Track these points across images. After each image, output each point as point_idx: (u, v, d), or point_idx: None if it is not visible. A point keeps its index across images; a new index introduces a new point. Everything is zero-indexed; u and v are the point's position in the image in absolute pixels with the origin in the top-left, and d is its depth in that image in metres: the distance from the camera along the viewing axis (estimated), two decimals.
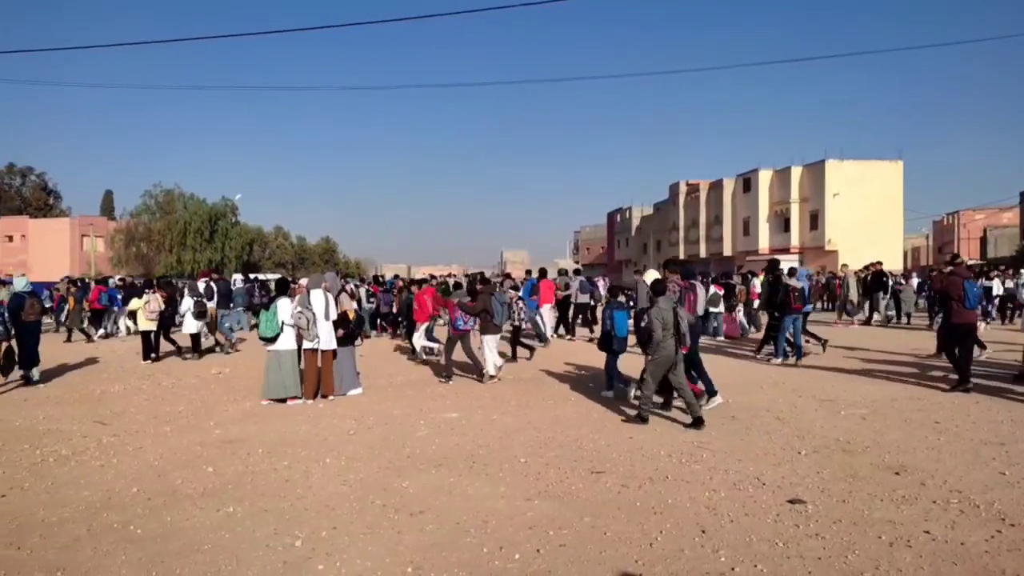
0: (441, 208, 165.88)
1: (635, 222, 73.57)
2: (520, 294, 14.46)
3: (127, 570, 4.01)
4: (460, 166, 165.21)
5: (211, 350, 15.08)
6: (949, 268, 9.93)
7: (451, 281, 22.96)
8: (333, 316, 9.32)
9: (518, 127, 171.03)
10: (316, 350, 9.17)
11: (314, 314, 9.00)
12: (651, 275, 9.33)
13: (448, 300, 10.98)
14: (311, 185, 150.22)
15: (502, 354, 11.56)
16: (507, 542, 4.34)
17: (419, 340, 13.34)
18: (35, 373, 11.09)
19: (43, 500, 5.34)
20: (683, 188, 60.97)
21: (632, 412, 8.01)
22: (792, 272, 12.97)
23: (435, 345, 13.25)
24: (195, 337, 14.37)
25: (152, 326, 13.70)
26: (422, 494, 5.35)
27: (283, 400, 9.05)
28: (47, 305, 17.12)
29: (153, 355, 13.74)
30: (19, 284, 11.63)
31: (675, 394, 7.97)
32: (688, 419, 7.54)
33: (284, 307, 9.16)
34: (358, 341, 10.14)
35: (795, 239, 49.45)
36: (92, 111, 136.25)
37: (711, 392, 8.49)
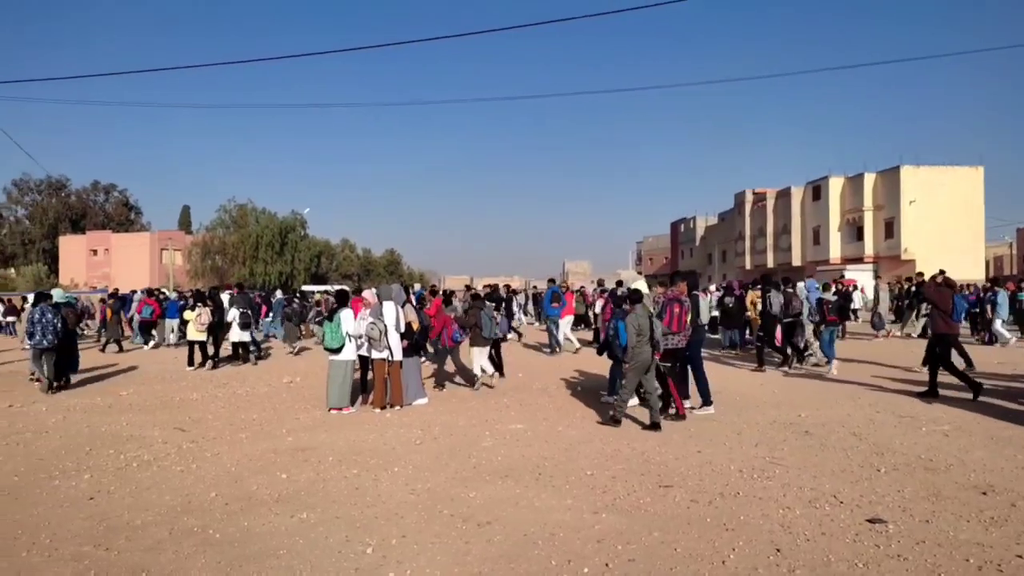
0: (504, 219, 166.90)
1: (699, 232, 72.45)
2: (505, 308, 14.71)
3: (207, 573, 4.15)
4: (523, 178, 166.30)
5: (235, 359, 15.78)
6: (941, 279, 10.51)
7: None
8: (402, 327, 9.48)
9: (581, 138, 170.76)
10: (385, 360, 9.33)
11: (386, 325, 9.18)
12: (638, 284, 9.55)
13: (445, 315, 11.49)
14: (376, 198, 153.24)
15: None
16: (575, 555, 4.31)
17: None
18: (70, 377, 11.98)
19: (128, 503, 5.58)
20: (749, 197, 59.73)
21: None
22: (782, 285, 13.40)
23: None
24: (243, 345, 15.01)
25: (202, 336, 14.40)
26: (489, 505, 5.37)
27: (348, 408, 9.26)
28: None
29: (210, 361, 14.53)
30: (57, 295, 12.52)
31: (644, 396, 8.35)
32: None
33: (347, 319, 9.37)
34: (422, 353, 10.30)
35: (869, 248, 47.82)
36: (170, 129, 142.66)
37: (707, 401, 8.92)
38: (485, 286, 24.95)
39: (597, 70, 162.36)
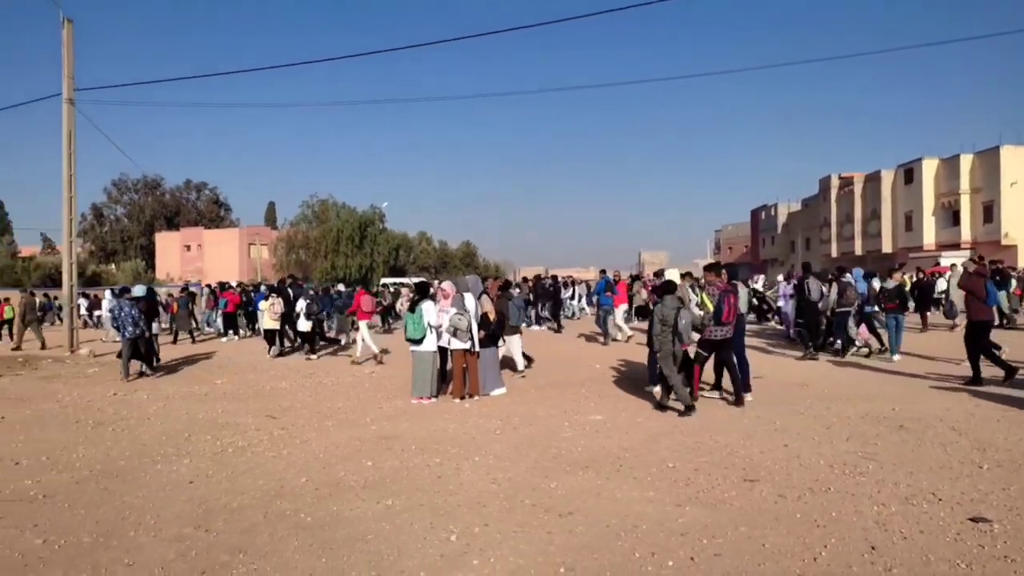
0: (579, 210, 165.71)
1: (781, 219, 70.22)
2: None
3: (300, 555, 4.31)
4: (599, 168, 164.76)
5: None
6: (974, 268, 10.66)
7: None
8: (479, 318, 9.59)
9: (657, 125, 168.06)
10: (464, 351, 9.45)
11: (470, 316, 9.31)
12: (671, 274, 9.90)
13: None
14: (453, 191, 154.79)
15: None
16: (659, 548, 4.27)
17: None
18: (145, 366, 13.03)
19: (225, 487, 5.85)
20: (835, 182, 57.46)
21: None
22: (836, 275, 13.43)
23: None
24: (308, 334, 15.58)
25: (275, 325, 15.41)
26: (570, 495, 5.37)
27: (430, 398, 9.43)
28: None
29: (281, 349, 15.55)
30: (137, 291, 13.76)
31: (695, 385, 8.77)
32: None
33: (429, 310, 9.52)
34: (500, 342, 10.40)
35: (966, 233, 45.32)
36: (256, 128, 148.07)
37: (746, 388, 9.02)
38: (531, 277, 25.11)
39: (674, 56, 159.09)
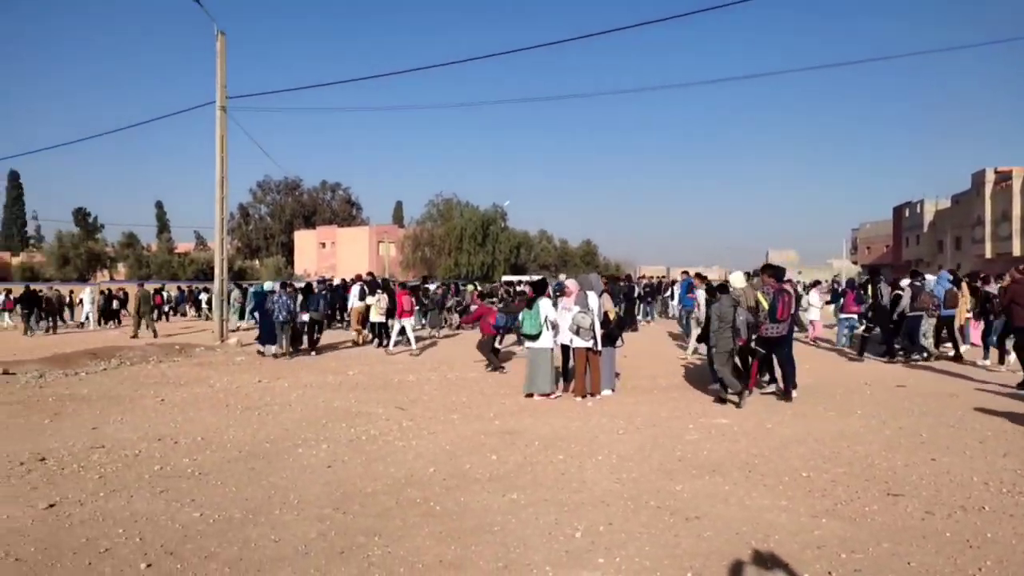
0: (703, 207, 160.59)
1: (927, 217, 65.21)
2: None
3: (430, 542, 4.47)
4: (724, 164, 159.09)
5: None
6: (1019, 276, 10.53)
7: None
8: (601, 316, 9.55)
9: (786, 118, 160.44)
10: (586, 349, 9.44)
11: (594, 315, 9.32)
12: (736, 277, 10.27)
13: (484, 305, 13.46)
14: (573, 189, 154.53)
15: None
16: (793, 559, 4.10)
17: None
18: (272, 349, 15.05)
19: (359, 473, 6.15)
20: (990, 176, 52.67)
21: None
22: (911, 279, 13.39)
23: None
24: (380, 326, 16.92)
25: (382, 319, 16.65)
26: (696, 499, 5.25)
27: (546, 395, 9.50)
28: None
29: (385, 342, 16.46)
30: (267, 286, 16.26)
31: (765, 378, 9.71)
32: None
33: (545, 307, 9.60)
34: (619, 342, 10.32)
35: None
36: (385, 130, 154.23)
37: (793, 385, 9.31)
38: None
39: (807, 45, 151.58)
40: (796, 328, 16.29)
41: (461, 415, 8.66)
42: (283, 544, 4.46)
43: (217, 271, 18.47)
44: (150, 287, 26.15)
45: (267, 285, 16.03)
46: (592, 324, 9.25)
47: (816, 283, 21.30)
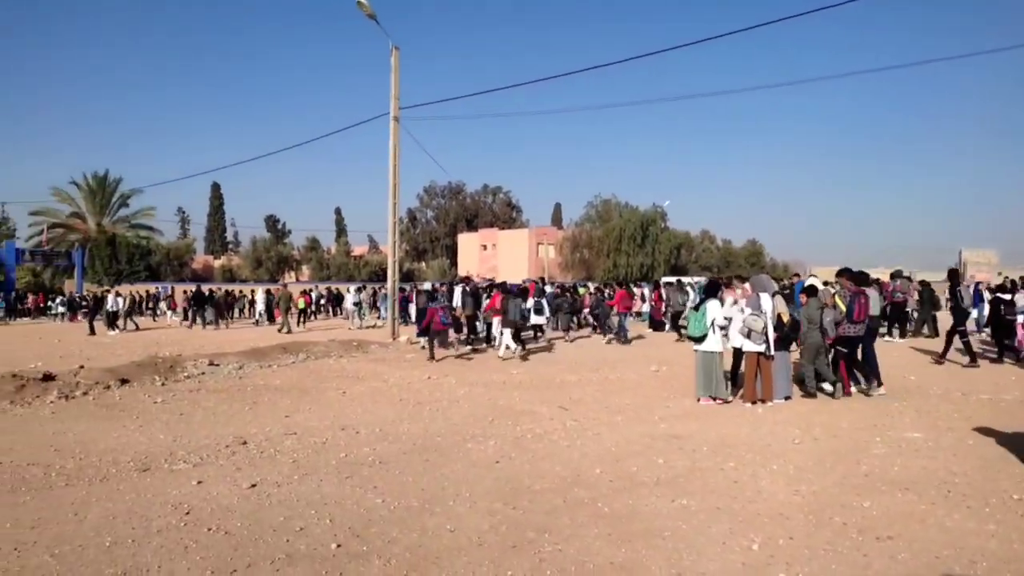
0: (883, 204, 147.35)
1: None
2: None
3: (600, 543, 4.46)
4: (909, 153, 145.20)
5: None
6: None
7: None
8: (774, 320, 9.09)
9: (981, 103, 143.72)
10: (756, 353, 9.03)
11: (767, 318, 8.90)
12: (812, 280, 11.02)
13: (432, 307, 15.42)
14: (738, 188, 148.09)
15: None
16: None
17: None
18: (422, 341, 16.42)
19: (526, 470, 6.25)
20: None
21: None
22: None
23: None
24: (537, 327, 18.12)
25: (540, 319, 17.62)
26: (887, 518, 4.85)
27: (713, 399, 9.16)
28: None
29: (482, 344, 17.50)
30: (426, 285, 19.09)
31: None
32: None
33: (714, 309, 9.24)
34: (792, 346, 9.78)
35: None
36: (543, 133, 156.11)
37: (879, 382, 9.79)
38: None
39: (995, 24, 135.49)
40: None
41: (625, 417, 8.58)
42: (459, 534, 4.63)
43: (390, 272, 19.54)
44: (292, 288, 28.71)
45: (425, 285, 18.19)
46: (764, 327, 8.82)
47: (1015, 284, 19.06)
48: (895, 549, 4.28)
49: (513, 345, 15.05)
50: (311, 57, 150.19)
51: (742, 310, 9.07)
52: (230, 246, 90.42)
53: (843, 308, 9.55)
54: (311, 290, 35.04)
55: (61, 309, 36.54)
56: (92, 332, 24.49)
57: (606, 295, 22.07)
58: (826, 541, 4.43)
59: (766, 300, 9.07)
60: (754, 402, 9.08)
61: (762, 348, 8.92)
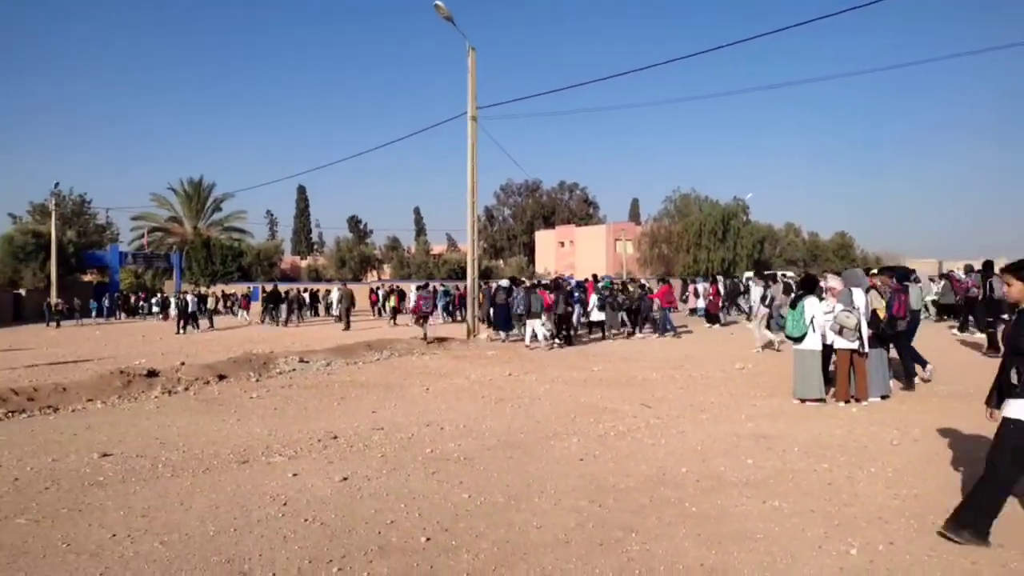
0: (996, 192, 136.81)
1: None
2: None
3: (689, 543, 4.39)
4: (1007, 140, 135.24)
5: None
6: None
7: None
8: (868, 315, 8.72)
9: None
10: (850, 351, 8.67)
11: (860, 314, 8.56)
12: (832, 279, 10.27)
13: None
14: (826, 179, 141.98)
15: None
16: None
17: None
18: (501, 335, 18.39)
19: (611, 468, 6.22)
20: None
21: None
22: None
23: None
24: (599, 324, 18.47)
25: (602, 316, 18.33)
26: (998, 526, 4.56)
27: (814, 400, 8.84)
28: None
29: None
30: (503, 282, 19.14)
31: None
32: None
33: (812, 306, 8.89)
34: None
35: None
36: (619, 130, 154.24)
37: (923, 364, 10.25)
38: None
39: None
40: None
41: (710, 415, 8.41)
42: (545, 531, 4.66)
43: (469, 270, 19.80)
44: (351, 287, 29.31)
45: (503, 282, 18.90)
46: (857, 323, 8.47)
47: None
48: (1006, 557, 4.05)
49: (541, 336, 16.39)
50: (386, 58, 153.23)
51: (833, 306, 8.72)
52: (315, 246, 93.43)
53: (883, 304, 9.28)
54: (378, 288, 35.86)
55: (156, 308, 38.78)
56: (180, 331, 26.04)
57: (646, 290, 21.65)
58: (929, 548, 4.23)
59: (859, 295, 8.70)
60: (847, 401, 8.74)
61: (855, 345, 8.57)
